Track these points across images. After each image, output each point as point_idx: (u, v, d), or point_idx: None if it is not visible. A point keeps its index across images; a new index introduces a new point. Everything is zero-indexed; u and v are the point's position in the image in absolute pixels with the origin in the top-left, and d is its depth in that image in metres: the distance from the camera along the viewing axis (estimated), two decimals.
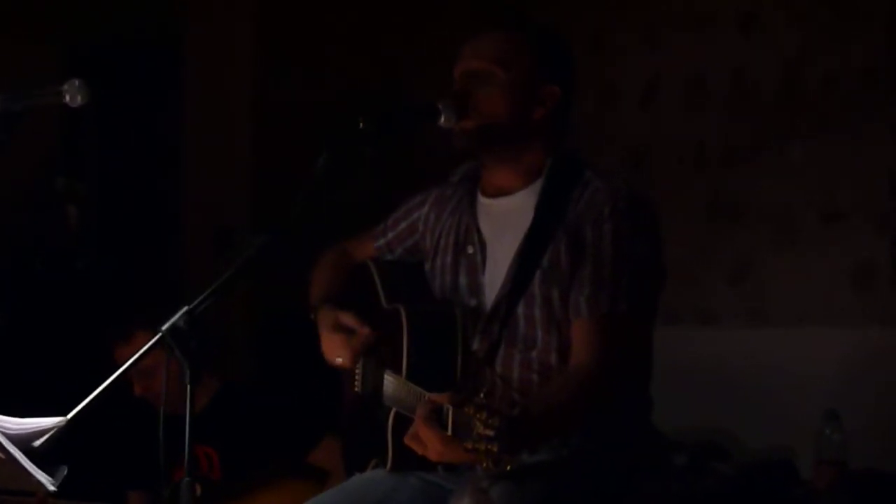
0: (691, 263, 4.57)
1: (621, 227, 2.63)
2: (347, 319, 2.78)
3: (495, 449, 2.16)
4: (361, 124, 2.57)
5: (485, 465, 2.19)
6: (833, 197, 4.35)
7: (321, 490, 3.54)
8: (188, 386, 2.32)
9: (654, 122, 4.84)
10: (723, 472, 4.12)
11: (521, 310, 2.66)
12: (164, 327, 2.33)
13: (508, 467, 2.20)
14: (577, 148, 2.78)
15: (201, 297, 2.36)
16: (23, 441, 2.32)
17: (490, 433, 2.15)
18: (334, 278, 2.97)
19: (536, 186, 2.71)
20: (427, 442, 2.34)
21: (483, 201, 2.80)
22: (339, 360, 2.79)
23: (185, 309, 2.34)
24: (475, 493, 2.41)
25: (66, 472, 2.35)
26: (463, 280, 2.76)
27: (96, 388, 2.36)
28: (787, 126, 4.49)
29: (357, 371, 2.90)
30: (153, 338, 2.36)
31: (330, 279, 2.97)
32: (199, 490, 2.36)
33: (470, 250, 2.76)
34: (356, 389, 2.92)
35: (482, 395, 2.21)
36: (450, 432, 2.28)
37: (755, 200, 4.54)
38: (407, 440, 2.40)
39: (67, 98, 2.48)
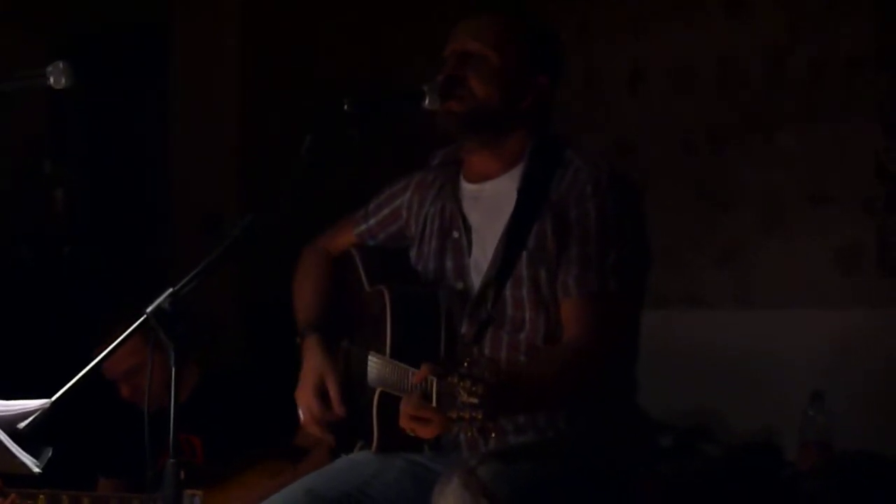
0: (679, 247, 4.58)
1: (605, 205, 2.63)
2: (332, 389, 2.77)
3: (479, 416, 2.16)
4: (346, 107, 2.57)
5: (469, 434, 2.19)
6: (820, 181, 4.35)
7: (296, 467, 3.56)
8: (173, 369, 2.31)
9: (642, 109, 4.85)
10: (709, 454, 4.13)
11: (508, 291, 2.66)
12: (149, 309, 2.32)
13: (493, 435, 2.19)
14: (564, 135, 2.78)
15: (186, 279, 2.36)
16: (7, 423, 2.32)
17: (474, 401, 2.15)
18: (319, 293, 2.94)
19: (519, 170, 2.72)
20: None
21: (467, 187, 2.80)
22: (303, 420, 2.81)
23: (169, 291, 2.33)
24: (463, 475, 2.41)
25: (50, 454, 2.34)
26: (449, 264, 2.76)
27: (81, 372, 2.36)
28: (774, 111, 4.50)
29: (341, 355, 2.91)
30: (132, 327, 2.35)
31: (314, 295, 2.94)
32: (182, 475, 2.35)
33: (455, 235, 2.77)
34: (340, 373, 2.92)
35: (466, 364, 2.21)
36: (434, 403, 2.28)
37: (743, 185, 4.55)
38: (403, 423, 2.39)
39: (52, 80, 2.47)
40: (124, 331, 3.62)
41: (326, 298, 2.93)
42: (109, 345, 3.65)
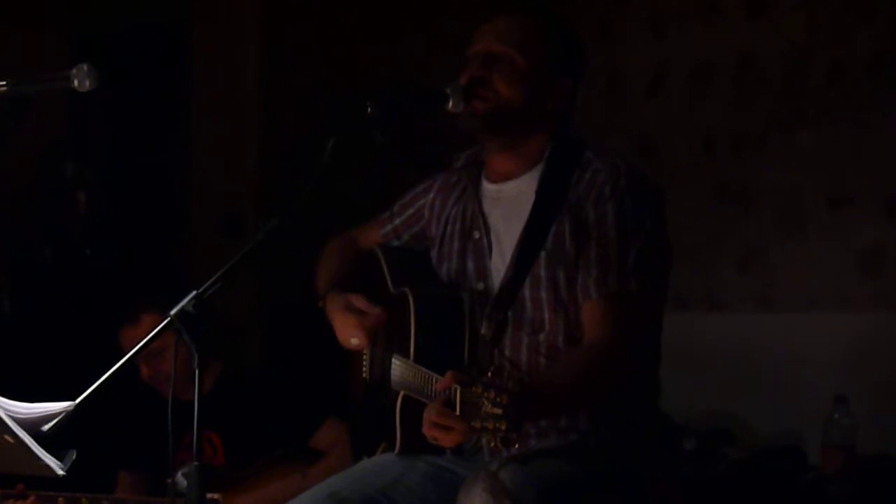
0: (700, 250, 4.56)
1: (624, 205, 2.63)
2: (358, 302, 2.79)
3: (503, 427, 2.15)
4: (369, 109, 2.57)
5: (492, 444, 2.19)
6: (841, 182, 4.33)
7: (306, 471, 3.57)
8: (196, 371, 2.31)
9: (662, 110, 4.83)
10: (732, 457, 4.11)
11: (527, 292, 2.66)
12: (173, 311, 2.33)
13: (516, 446, 2.19)
14: (585, 136, 2.78)
15: (210, 282, 2.37)
16: (32, 425, 2.32)
17: (498, 412, 2.15)
18: (341, 265, 2.98)
19: (538, 171, 2.72)
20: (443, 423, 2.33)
21: (488, 187, 2.80)
22: (355, 342, 2.79)
23: (193, 293, 2.34)
24: (486, 478, 2.40)
25: (74, 457, 2.35)
26: (470, 265, 2.77)
27: (103, 373, 2.36)
28: (794, 112, 4.47)
29: (365, 356, 2.91)
30: (159, 319, 2.35)
31: (336, 266, 2.98)
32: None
33: (476, 235, 2.77)
34: (364, 375, 2.92)
35: (490, 373, 2.21)
36: (457, 412, 2.28)
37: (763, 187, 4.53)
38: (426, 430, 2.39)
39: (76, 83, 2.47)
40: (150, 315, 3.66)
41: (349, 271, 2.95)
42: (134, 326, 3.69)
